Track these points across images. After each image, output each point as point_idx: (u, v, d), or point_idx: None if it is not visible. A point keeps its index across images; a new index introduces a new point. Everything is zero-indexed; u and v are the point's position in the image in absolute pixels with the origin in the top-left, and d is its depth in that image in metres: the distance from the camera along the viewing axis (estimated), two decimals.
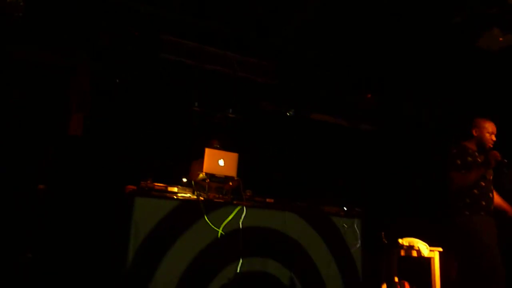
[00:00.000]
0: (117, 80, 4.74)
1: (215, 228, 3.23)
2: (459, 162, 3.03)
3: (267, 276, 3.38)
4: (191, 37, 4.89)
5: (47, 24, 4.28)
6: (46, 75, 4.42)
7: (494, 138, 3.12)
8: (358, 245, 3.84)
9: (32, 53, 4.42)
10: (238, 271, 3.24)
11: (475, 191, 2.99)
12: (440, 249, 4.13)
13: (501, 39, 3.91)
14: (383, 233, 4.22)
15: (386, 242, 4.20)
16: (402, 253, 4.13)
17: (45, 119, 4.28)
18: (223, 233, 3.26)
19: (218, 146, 4.21)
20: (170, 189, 3.35)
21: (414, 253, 4.07)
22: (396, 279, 4.19)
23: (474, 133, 3.16)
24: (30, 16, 4.05)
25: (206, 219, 3.21)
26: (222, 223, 3.28)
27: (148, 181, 3.27)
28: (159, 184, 3.34)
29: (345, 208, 3.90)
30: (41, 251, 3.07)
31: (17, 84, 4.27)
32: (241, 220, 3.36)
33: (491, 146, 3.10)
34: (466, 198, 2.99)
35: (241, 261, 3.28)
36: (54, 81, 4.46)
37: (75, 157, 4.11)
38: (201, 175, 3.45)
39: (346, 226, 3.81)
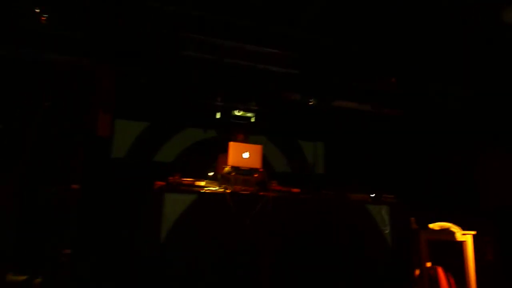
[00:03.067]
0: (142, 80, 4.86)
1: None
2: None
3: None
4: (210, 33, 4.93)
5: (72, 28, 4.42)
6: (74, 77, 4.57)
7: None
8: (387, 231, 3.81)
9: (59, 57, 4.58)
10: None
11: None
12: (474, 232, 4.03)
13: None
14: (413, 218, 4.16)
15: (417, 227, 4.13)
16: (434, 237, 4.06)
17: (76, 121, 4.45)
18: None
19: (241, 139, 4.26)
20: (197, 183, 3.44)
21: (447, 237, 4.00)
22: (429, 264, 4.13)
23: None
24: (55, 20, 4.20)
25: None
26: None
27: (176, 177, 3.37)
28: (186, 179, 3.44)
29: (372, 195, 3.87)
30: (80, 246, 3.23)
31: (48, 88, 4.45)
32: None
33: None
34: None
35: None
36: (81, 83, 4.61)
37: (105, 157, 4.26)
38: (227, 168, 3.52)
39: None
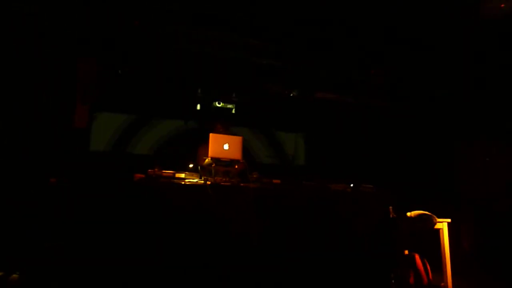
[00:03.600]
0: (119, 71, 4.78)
1: None
2: None
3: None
4: (191, 23, 4.88)
5: (54, 17, 4.30)
6: (53, 68, 4.46)
7: None
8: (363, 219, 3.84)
9: (40, 46, 4.45)
10: None
11: None
12: (449, 220, 4.15)
13: (502, 5, 3.82)
14: (391, 207, 4.24)
15: (394, 216, 4.21)
16: (411, 226, 4.15)
17: (54, 113, 4.34)
18: None
19: (222, 130, 4.25)
20: (177, 175, 3.42)
21: (423, 225, 4.09)
22: (406, 252, 4.23)
23: None
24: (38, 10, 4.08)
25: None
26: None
27: (156, 169, 3.34)
28: (166, 171, 3.41)
29: (351, 185, 3.93)
30: (58, 241, 3.18)
31: (25, 78, 4.32)
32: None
33: None
34: None
35: None
36: (61, 74, 4.50)
37: (82, 149, 4.19)
38: (207, 160, 3.50)
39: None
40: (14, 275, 3.32)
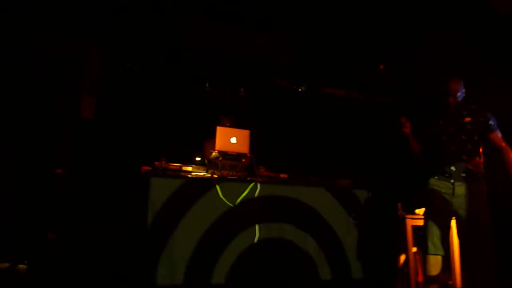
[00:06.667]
0: (128, 64, 4.78)
1: (226, 202, 3.27)
2: None
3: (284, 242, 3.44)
4: (202, 16, 4.86)
5: (61, 10, 4.31)
6: (61, 60, 4.47)
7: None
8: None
9: (48, 40, 4.46)
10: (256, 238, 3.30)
11: None
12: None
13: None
14: (399, 204, 4.19)
15: (403, 213, 4.17)
16: (419, 223, 4.09)
17: (61, 104, 4.36)
18: (231, 205, 3.28)
19: (229, 124, 4.22)
20: (184, 168, 3.41)
21: None
22: (415, 249, 4.18)
23: None
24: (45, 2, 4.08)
25: (219, 190, 3.23)
26: (236, 198, 3.32)
27: (163, 161, 3.33)
28: (173, 164, 3.40)
29: (359, 181, 3.89)
30: (64, 231, 3.18)
31: (33, 70, 4.34)
32: (256, 193, 3.39)
33: None
34: None
35: (257, 227, 3.33)
36: (69, 66, 4.51)
37: (91, 140, 4.20)
38: (214, 153, 3.48)
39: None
40: (21, 265, 3.34)
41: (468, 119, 3.07)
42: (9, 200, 3.58)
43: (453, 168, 3.05)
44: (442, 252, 3.03)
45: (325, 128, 5.79)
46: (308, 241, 3.53)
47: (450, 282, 3.91)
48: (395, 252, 4.12)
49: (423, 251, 3.18)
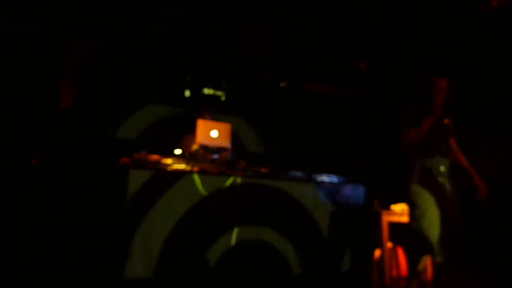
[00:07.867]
0: (110, 55, 4.68)
1: (203, 192, 3.24)
2: None
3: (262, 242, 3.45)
4: (183, 6, 4.77)
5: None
6: (40, 50, 4.35)
7: None
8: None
9: (27, 29, 4.34)
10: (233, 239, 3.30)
11: None
12: None
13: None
14: (376, 200, 4.27)
15: (379, 209, 4.25)
16: (395, 219, 4.19)
17: (40, 94, 4.25)
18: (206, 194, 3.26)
19: (210, 117, 4.20)
20: (164, 161, 3.37)
21: (406, 219, 4.13)
22: (390, 245, 4.28)
23: None
24: None
25: (197, 182, 3.20)
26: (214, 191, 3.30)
27: (142, 153, 3.28)
28: (153, 156, 3.36)
29: (338, 177, 3.94)
30: (40, 223, 3.11)
31: (11, 59, 4.21)
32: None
33: None
34: None
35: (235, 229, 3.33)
36: (48, 56, 4.40)
37: (68, 131, 4.11)
38: (195, 146, 3.46)
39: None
40: None
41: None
42: None
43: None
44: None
45: (307, 122, 5.82)
46: (285, 238, 3.53)
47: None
48: (370, 247, 4.20)
49: (431, 255, 3.17)
